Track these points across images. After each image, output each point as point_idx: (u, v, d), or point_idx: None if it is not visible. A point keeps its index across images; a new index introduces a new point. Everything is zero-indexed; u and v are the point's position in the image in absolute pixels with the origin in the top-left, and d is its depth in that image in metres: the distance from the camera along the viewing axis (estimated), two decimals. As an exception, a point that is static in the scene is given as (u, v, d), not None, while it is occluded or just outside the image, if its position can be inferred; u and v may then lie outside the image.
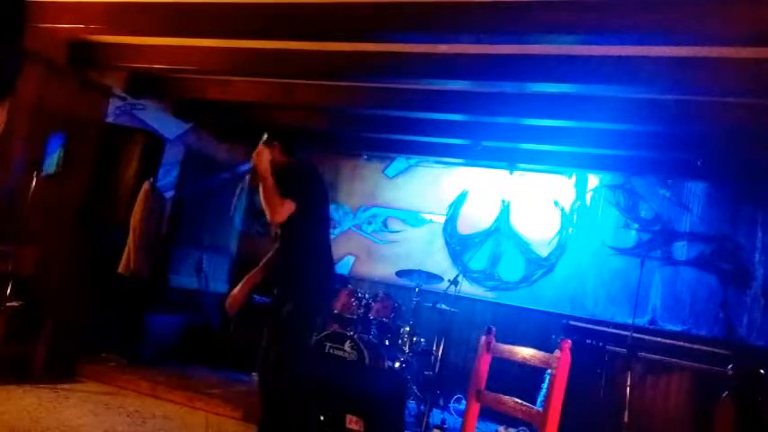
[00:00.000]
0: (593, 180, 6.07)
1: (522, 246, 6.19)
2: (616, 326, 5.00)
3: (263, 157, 3.03)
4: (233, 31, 3.81)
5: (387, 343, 5.16)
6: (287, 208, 2.94)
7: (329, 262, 3.22)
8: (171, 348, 5.69)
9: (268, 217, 2.97)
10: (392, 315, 5.24)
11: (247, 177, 3.19)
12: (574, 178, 6.12)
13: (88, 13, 4.02)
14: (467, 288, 6.01)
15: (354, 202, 6.98)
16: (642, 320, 5.44)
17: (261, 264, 3.24)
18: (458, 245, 6.43)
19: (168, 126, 6.03)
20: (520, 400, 2.39)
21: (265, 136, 3.17)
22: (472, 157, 5.85)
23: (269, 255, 3.23)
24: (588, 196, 6.07)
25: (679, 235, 5.66)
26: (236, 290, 3.18)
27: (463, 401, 5.15)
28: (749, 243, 5.40)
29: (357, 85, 4.79)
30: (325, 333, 5.07)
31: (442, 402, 5.33)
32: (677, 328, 5.41)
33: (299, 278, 3.05)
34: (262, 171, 2.99)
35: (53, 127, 4.83)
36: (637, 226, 5.82)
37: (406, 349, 5.03)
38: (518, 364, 2.56)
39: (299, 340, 3.01)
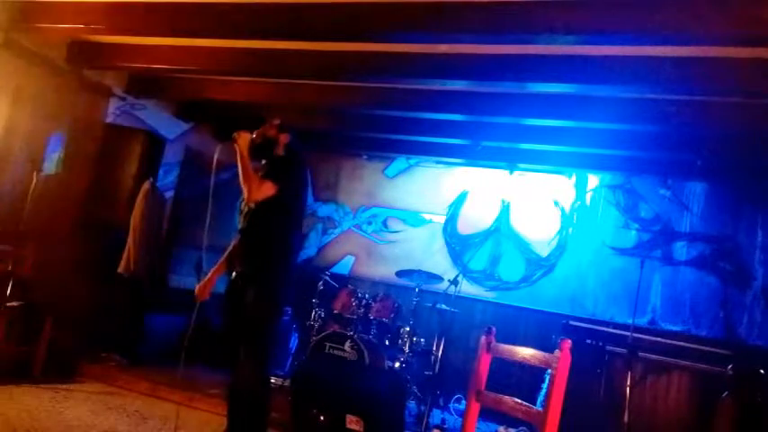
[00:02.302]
0: (593, 180, 6.07)
1: (522, 246, 6.19)
2: (616, 326, 5.00)
3: (245, 137, 3.10)
4: (233, 31, 3.82)
5: (387, 343, 5.16)
6: (266, 188, 3.02)
7: (294, 257, 3.34)
8: (171, 348, 5.68)
9: (245, 194, 3.03)
10: (392, 315, 5.24)
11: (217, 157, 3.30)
12: (574, 178, 6.12)
13: (88, 13, 4.02)
14: (467, 288, 6.01)
15: (354, 202, 6.98)
16: (642, 320, 5.44)
17: (227, 252, 3.31)
18: (458, 245, 6.43)
19: (168, 126, 6.03)
20: (520, 400, 2.39)
21: (277, 121, 3.31)
22: (472, 157, 5.85)
23: (234, 242, 3.28)
24: (588, 196, 6.07)
25: (679, 235, 5.66)
26: (205, 278, 3.29)
27: (463, 401, 5.15)
28: (749, 243, 5.40)
29: (357, 85, 4.79)
30: (325, 333, 5.07)
31: (442, 402, 5.33)
32: (677, 328, 5.41)
33: (267, 264, 3.07)
34: (240, 148, 3.05)
35: (53, 127, 4.83)
36: (637, 226, 5.82)
37: (406, 349, 5.03)
38: (518, 364, 2.56)
39: (268, 328, 3.06)
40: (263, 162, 3.24)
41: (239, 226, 3.20)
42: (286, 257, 3.17)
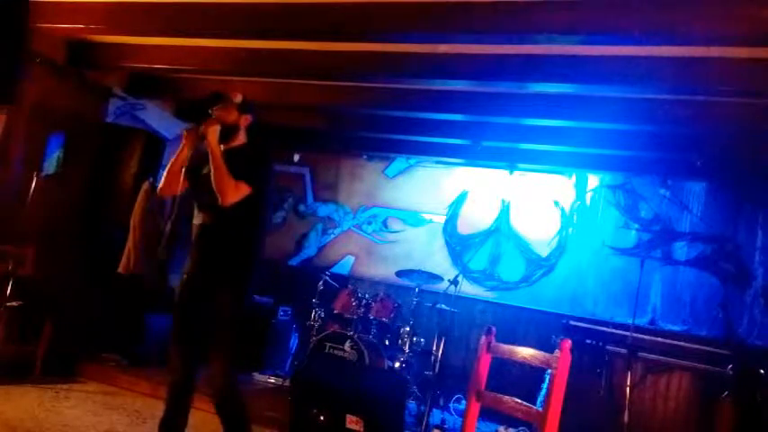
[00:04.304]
0: (593, 180, 6.07)
1: (522, 246, 6.19)
2: (616, 326, 5.00)
3: (215, 129, 2.80)
4: (233, 31, 3.82)
5: (387, 343, 5.16)
6: (241, 191, 2.76)
7: (261, 251, 3.03)
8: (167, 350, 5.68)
9: (219, 199, 2.74)
10: (392, 315, 5.24)
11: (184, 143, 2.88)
12: (574, 178, 6.11)
13: (88, 13, 4.02)
14: (467, 288, 6.01)
15: (354, 202, 6.97)
16: (642, 320, 5.44)
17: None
18: (458, 245, 6.43)
19: (168, 126, 6.03)
20: (520, 400, 2.38)
21: (240, 97, 3.00)
22: (472, 157, 5.85)
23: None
24: (588, 196, 6.07)
25: (679, 235, 5.66)
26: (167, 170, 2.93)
27: (463, 401, 5.15)
28: (749, 243, 5.40)
29: (357, 85, 4.79)
30: (325, 333, 5.07)
31: (442, 402, 5.33)
32: (677, 328, 5.41)
33: (239, 266, 2.85)
34: (212, 144, 2.76)
35: (53, 127, 4.83)
36: (637, 226, 5.82)
37: (406, 349, 5.03)
38: (518, 364, 2.56)
39: (237, 332, 2.84)
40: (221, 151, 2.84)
41: (199, 219, 2.91)
42: (256, 258, 2.93)
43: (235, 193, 2.75)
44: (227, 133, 2.92)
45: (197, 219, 2.93)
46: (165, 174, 2.91)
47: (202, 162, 2.87)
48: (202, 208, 2.91)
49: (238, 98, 3.02)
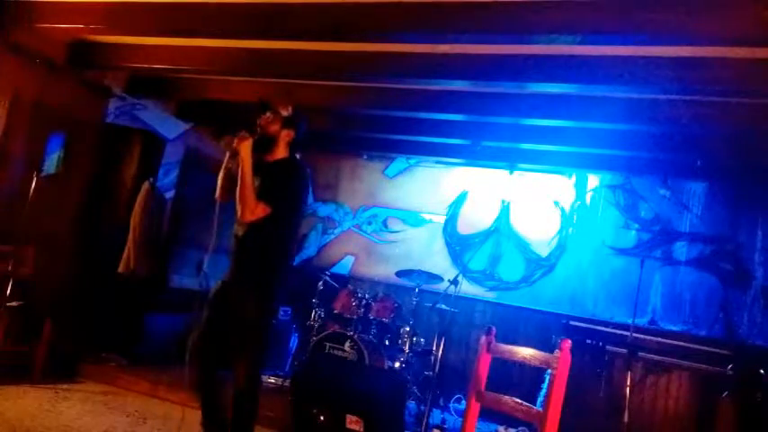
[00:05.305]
0: (593, 180, 6.07)
1: (522, 246, 6.19)
2: (616, 326, 5.01)
3: (247, 145, 2.77)
4: (233, 31, 3.81)
5: (387, 343, 5.17)
6: (260, 210, 2.75)
7: (287, 264, 3.06)
8: (171, 348, 5.68)
9: (238, 212, 2.78)
10: (392, 315, 5.24)
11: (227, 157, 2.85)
12: (574, 178, 6.12)
13: (88, 13, 4.02)
14: (467, 288, 6.01)
15: (354, 202, 6.98)
16: (642, 320, 5.44)
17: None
18: (458, 245, 6.43)
19: (168, 126, 6.03)
20: (520, 400, 2.38)
21: (289, 111, 2.95)
22: (472, 157, 5.85)
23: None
24: (588, 196, 6.07)
25: (679, 235, 5.66)
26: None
27: (463, 401, 5.15)
28: (749, 243, 5.40)
29: (357, 85, 4.79)
30: (325, 333, 5.07)
31: (442, 402, 5.33)
32: (677, 328, 5.41)
33: (263, 276, 2.87)
34: (243, 159, 2.73)
35: (53, 127, 4.83)
36: (637, 226, 5.82)
37: (406, 349, 5.03)
38: (518, 364, 2.56)
39: (267, 335, 2.90)
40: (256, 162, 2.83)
41: (235, 230, 2.96)
42: (284, 268, 2.97)
43: (252, 212, 2.76)
44: (265, 144, 2.90)
45: (234, 229, 2.95)
46: (218, 182, 2.94)
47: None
48: (238, 219, 2.90)
49: (286, 111, 2.96)
